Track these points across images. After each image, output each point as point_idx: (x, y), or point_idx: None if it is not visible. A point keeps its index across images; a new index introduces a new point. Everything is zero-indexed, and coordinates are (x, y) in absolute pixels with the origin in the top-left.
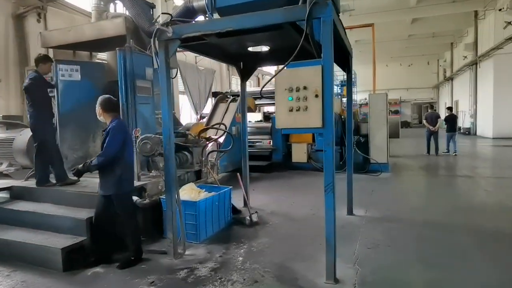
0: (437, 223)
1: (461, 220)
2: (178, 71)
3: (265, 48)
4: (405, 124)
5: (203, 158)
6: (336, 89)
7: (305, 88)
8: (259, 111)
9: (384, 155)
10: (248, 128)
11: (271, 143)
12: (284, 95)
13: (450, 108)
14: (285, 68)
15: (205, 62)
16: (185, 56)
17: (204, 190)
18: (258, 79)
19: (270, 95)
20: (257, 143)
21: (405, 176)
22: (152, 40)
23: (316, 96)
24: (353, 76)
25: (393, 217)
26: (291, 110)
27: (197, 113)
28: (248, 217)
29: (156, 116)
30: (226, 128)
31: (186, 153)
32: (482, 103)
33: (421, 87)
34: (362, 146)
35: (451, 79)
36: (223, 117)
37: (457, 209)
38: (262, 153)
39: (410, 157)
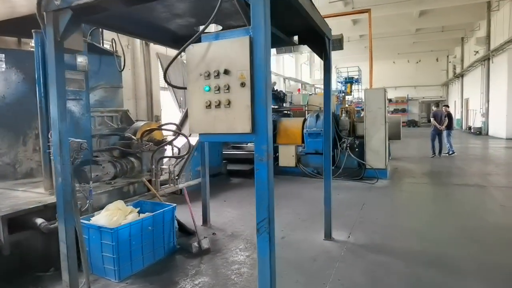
0: (440, 256)
1: (472, 253)
2: (159, 66)
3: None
4: (412, 123)
5: (153, 166)
6: (340, 86)
7: (226, 72)
8: None
9: (382, 160)
10: None
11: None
12: (199, 83)
13: (447, 106)
14: (202, 40)
15: None
16: (166, 49)
17: (138, 209)
18: None
19: None
20: (244, 144)
21: (404, 185)
22: (37, 11)
23: (242, 84)
24: (357, 73)
25: (383, 245)
26: (208, 106)
27: (181, 111)
28: (196, 244)
29: (101, 114)
30: (180, 129)
31: (132, 159)
32: (494, 101)
33: (430, 84)
34: (357, 149)
35: (461, 76)
36: None
37: (467, 235)
38: (246, 156)
39: (414, 160)
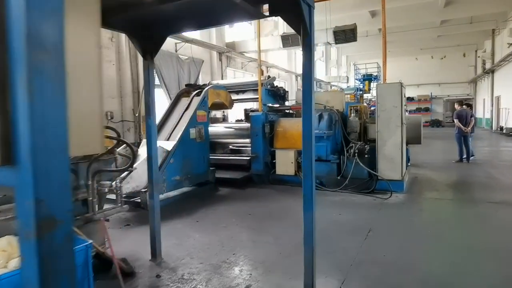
0: None
1: None
2: None
3: None
4: (436, 123)
5: (89, 181)
6: (357, 84)
7: None
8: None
9: (397, 170)
10: (225, 130)
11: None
12: None
13: (467, 104)
14: None
15: (191, 51)
16: None
17: None
18: (262, 71)
19: (251, 88)
20: (239, 149)
21: (425, 202)
22: None
23: None
24: (376, 69)
25: None
26: None
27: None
28: None
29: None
30: (118, 134)
31: None
32: None
33: (456, 82)
34: (368, 155)
35: (491, 71)
36: (182, 116)
37: None
38: (238, 162)
39: (437, 166)
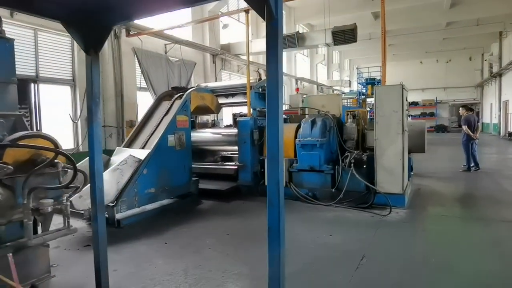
0: None
1: None
2: (136, 62)
3: None
4: (441, 128)
5: (24, 200)
6: (360, 88)
7: None
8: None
9: (397, 182)
10: (213, 136)
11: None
12: None
13: (470, 108)
14: None
15: (181, 52)
16: (141, 42)
17: None
18: (259, 74)
19: (241, 91)
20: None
21: (429, 220)
22: None
23: None
24: (380, 73)
25: None
26: None
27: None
28: None
29: None
30: (56, 145)
31: None
32: None
33: (462, 86)
34: (366, 166)
35: (499, 75)
36: (160, 121)
37: None
38: (225, 172)
39: (442, 176)
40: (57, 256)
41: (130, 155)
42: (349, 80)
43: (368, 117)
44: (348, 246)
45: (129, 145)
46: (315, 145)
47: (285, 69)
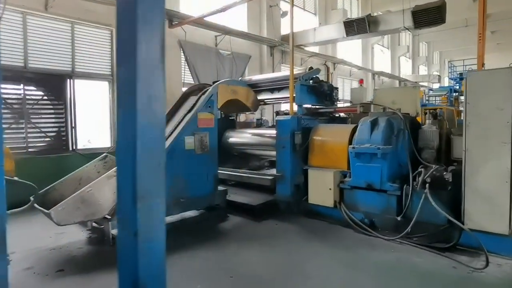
0: None
1: None
2: (182, 56)
3: None
4: None
5: None
6: (452, 84)
7: None
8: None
9: (501, 216)
10: (251, 137)
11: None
12: None
13: None
14: None
15: (236, 45)
16: (185, 33)
17: None
18: (328, 68)
19: (285, 84)
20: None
21: None
22: None
23: None
24: (477, 66)
25: None
26: None
27: None
28: None
29: None
30: None
31: None
32: None
33: None
34: (448, 186)
35: None
36: (182, 119)
37: None
38: (260, 182)
39: None
40: (18, 282)
41: None
42: (439, 75)
43: (458, 119)
44: None
45: None
46: (376, 154)
47: (359, 61)
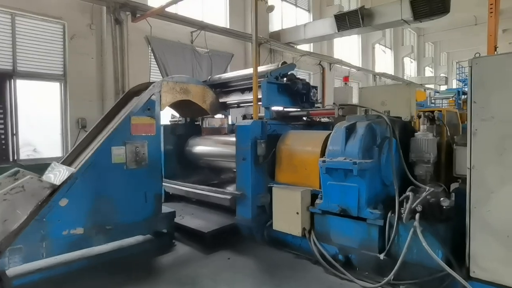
0: None
1: None
2: (150, 53)
3: None
4: None
5: None
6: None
7: None
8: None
9: None
10: (211, 147)
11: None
12: None
13: None
14: None
15: (217, 42)
16: (150, 28)
17: None
18: (323, 68)
19: (242, 85)
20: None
21: None
22: None
23: None
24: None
25: None
26: None
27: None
28: None
29: None
30: None
31: None
32: None
33: None
34: (446, 216)
35: None
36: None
37: None
38: (218, 201)
39: None
40: None
41: (31, 176)
42: (446, 77)
43: (464, 124)
44: None
45: (74, 158)
46: (351, 170)
47: (358, 61)
